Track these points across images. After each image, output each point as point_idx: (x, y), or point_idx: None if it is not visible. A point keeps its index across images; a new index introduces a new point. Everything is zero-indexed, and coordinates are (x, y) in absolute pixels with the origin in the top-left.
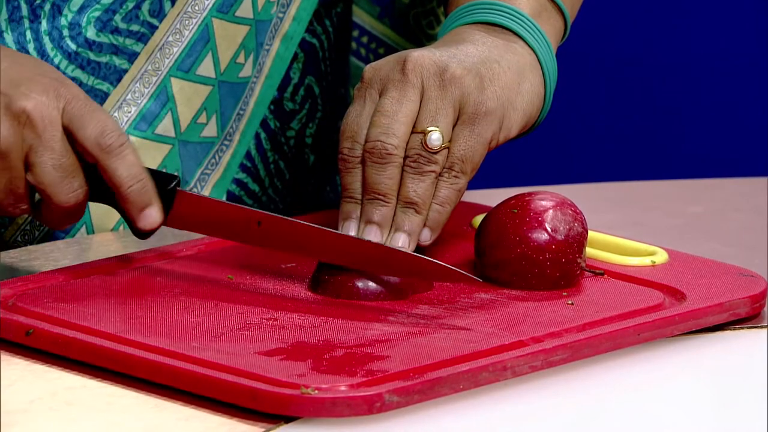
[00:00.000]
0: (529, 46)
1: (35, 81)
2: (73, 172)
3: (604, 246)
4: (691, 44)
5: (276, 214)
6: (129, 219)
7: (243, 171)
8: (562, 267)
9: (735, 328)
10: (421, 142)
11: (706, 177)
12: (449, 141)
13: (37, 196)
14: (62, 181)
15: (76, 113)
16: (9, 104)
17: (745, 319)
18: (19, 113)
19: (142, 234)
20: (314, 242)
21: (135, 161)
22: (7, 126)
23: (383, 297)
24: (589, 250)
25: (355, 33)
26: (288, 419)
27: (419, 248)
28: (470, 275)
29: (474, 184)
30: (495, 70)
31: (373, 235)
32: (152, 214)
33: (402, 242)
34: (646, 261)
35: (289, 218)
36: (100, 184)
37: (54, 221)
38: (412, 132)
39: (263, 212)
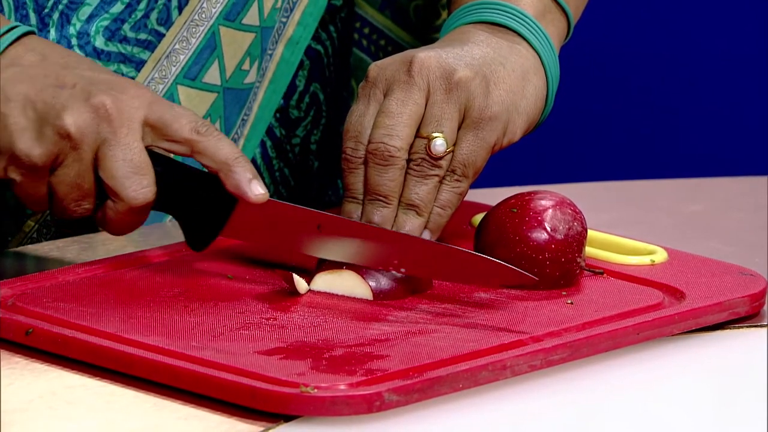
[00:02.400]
0: (533, 47)
1: (115, 81)
2: (144, 170)
3: (604, 245)
4: (692, 43)
5: (336, 216)
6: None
7: None
8: (562, 266)
9: (734, 327)
10: (425, 148)
11: (707, 176)
12: (453, 145)
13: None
14: (132, 177)
15: (164, 110)
16: (88, 97)
17: (745, 318)
18: (98, 106)
19: (201, 246)
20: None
21: (231, 142)
22: (84, 116)
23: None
24: (589, 249)
25: (358, 24)
26: (287, 418)
27: None
28: (528, 274)
29: (474, 183)
30: (500, 74)
31: None
32: (261, 186)
33: None
34: (645, 260)
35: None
36: (167, 191)
37: (116, 222)
38: (417, 136)
39: (323, 213)
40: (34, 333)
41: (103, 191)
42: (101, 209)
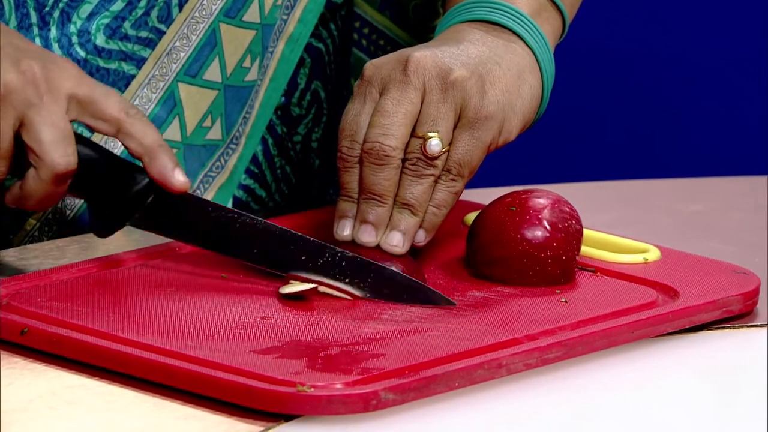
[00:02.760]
0: (528, 46)
1: (46, 53)
2: (69, 138)
3: (597, 243)
4: (691, 42)
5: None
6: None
7: (250, 177)
8: (563, 264)
9: (728, 327)
10: (421, 147)
11: (706, 176)
12: (448, 144)
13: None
14: (58, 142)
15: (93, 86)
16: (17, 61)
17: (739, 317)
18: (26, 70)
19: (105, 232)
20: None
21: (157, 129)
22: (12, 77)
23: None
24: (582, 248)
25: (357, 24)
26: (287, 418)
27: (413, 248)
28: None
29: (467, 183)
30: (495, 73)
31: (368, 234)
32: (182, 174)
33: (396, 241)
34: (638, 258)
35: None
36: (83, 172)
37: (35, 194)
38: (412, 135)
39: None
40: (29, 332)
41: (20, 164)
42: (18, 183)
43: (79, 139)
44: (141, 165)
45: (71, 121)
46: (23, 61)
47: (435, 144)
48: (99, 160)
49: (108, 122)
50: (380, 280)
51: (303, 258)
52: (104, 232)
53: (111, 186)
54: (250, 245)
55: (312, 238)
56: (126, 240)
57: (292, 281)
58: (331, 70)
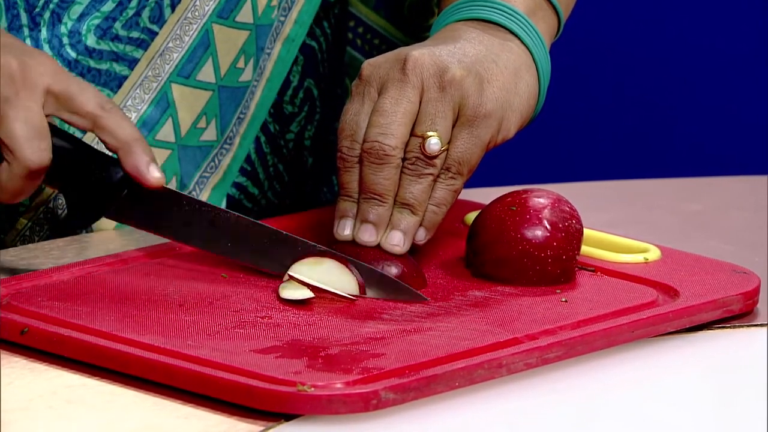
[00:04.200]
0: (525, 44)
1: (25, 48)
2: (43, 134)
3: (597, 243)
4: (691, 42)
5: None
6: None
7: (243, 175)
8: (563, 264)
9: (728, 326)
10: (420, 146)
11: (706, 175)
12: (447, 143)
13: None
14: (32, 139)
15: (70, 81)
16: None
17: (739, 316)
18: (3, 65)
19: (80, 224)
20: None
21: (133, 123)
22: None
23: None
24: (582, 248)
25: (352, 23)
26: (288, 417)
27: (414, 246)
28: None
29: (466, 182)
30: (493, 71)
31: (368, 234)
32: (157, 169)
33: (397, 241)
34: (638, 258)
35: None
36: (59, 165)
37: (8, 187)
38: (411, 134)
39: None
40: (29, 332)
41: None
42: None
43: (56, 132)
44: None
45: (48, 116)
46: (1, 56)
47: (434, 143)
48: (75, 153)
49: (84, 117)
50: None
51: (274, 250)
52: (79, 223)
53: (86, 178)
54: (224, 239)
55: (283, 232)
56: (126, 240)
57: (291, 282)
58: (324, 68)
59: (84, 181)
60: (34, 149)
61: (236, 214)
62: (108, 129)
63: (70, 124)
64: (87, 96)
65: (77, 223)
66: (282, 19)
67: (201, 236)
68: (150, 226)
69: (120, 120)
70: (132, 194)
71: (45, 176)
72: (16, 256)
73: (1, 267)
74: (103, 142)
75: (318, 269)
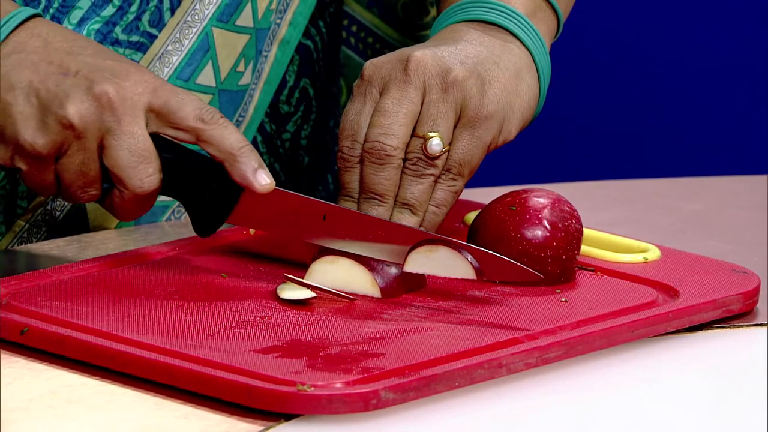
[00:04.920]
0: (525, 46)
1: (119, 67)
2: (149, 158)
3: (597, 243)
4: (691, 41)
5: (341, 206)
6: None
7: None
8: (563, 263)
9: (728, 326)
10: (421, 147)
11: (706, 175)
12: (449, 144)
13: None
14: (137, 166)
15: (169, 96)
16: (91, 86)
17: (739, 316)
18: (101, 95)
19: (207, 231)
20: (384, 235)
21: (237, 129)
22: (86, 106)
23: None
24: (582, 248)
25: (345, 22)
26: (287, 417)
27: None
28: (533, 271)
29: (466, 182)
30: (494, 72)
31: None
32: (267, 175)
33: None
34: (638, 258)
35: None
36: (174, 177)
37: (123, 209)
38: (413, 135)
39: (329, 204)
40: (29, 332)
41: (109, 178)
42: (108, 196)
43: (166, 146)
44: None
45: (153, 134)
46: (96, 87)
47: (436, 144)
48: (187, 163)
49: (186, 132)
50: None
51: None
52: (203, 232)
53: (202, 187)
54: (340, 232)
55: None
56: (126, 239)
57: (289, 283)
58: (319, 67)
59: (201, 190)
60: (141, 176)
61: (345, 208)
62: (210, 141)
63: (175, 139)
64: (187, 110)
65: (202, 232)
66: (278, 21)
67: (318, 231)
68: (272, 226)
69: (221, 130)
70: (250, 197)
71: (161, 189)
72: (15, 255)
73: (1, 267)
74: (209, 154)
75: (334, 271)
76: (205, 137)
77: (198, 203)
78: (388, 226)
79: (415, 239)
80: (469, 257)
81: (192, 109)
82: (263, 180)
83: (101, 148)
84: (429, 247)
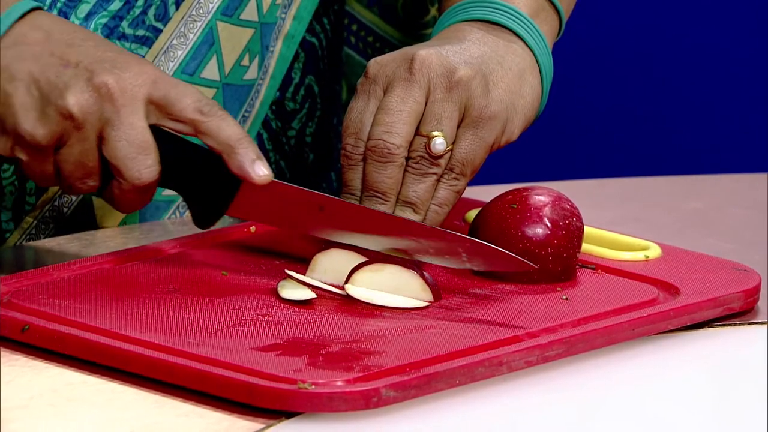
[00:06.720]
0: (528, 46)
1: (119, 59)
2: (148, 149)
3: (597, 241)
4: (691, 41)
5: (339, 198)
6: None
7: None
8: (564, 261)
9: (728, 324)
10: (425, 146)
11: (707, 173)
12: (452, 143)
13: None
14: (136, 157)
15: (168, 88)
16: (91, 77)
17: (739, 314)
18: (100, 86)
19: (206, 224)
20: (382, 227)
21: (236, 121)
22: (86, 96)
23: None
24: (583, 245)
25: (346, 21)
26: (288, 415)
27: None
28: (527, 261)
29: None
30: (498, 73)
31: None
32: (264, 166)
33: None
34: (639, 256)
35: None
36: (173, 169)
37: (122, 201)
38: (416, 134)
39: (326, 196)
40: (29, 330)
41: (109, 169)
42: (108, 188)
43: (165, 138)
44: None
45: (153, 126)
46: (96, 78)
47: (439, 143)
48: (185, 155)
49: (185, 123)
50: None
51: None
52: (202, 224)
53: (201, 178)
54: (335, 223)
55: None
56: (127, 237)
57: (290, 282)
58: (324, 64)
59: (199, 182)
60: (139, 168)
61: (342, 200)
62: (208, 133)
63: (174, 131)
64: (185, 102)
65: (201, 224)
66: (283, 16)
67: (316, 223)
68: (271, 220)
69: (219, 122)
70: (249, 189)
71: (160, 181)
72: (16, 253)
73: (3, 264)
74: (207, 146)
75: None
76: (204, 129)
77: (197, 195)
78: (386, 218)
79: (413, 231)
80: (426, 274)
81: (191, 101)
82: (261, 171)
83: (101, 139)
84: (376, 265)
